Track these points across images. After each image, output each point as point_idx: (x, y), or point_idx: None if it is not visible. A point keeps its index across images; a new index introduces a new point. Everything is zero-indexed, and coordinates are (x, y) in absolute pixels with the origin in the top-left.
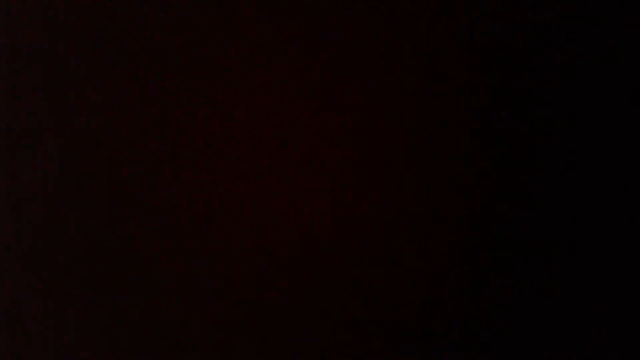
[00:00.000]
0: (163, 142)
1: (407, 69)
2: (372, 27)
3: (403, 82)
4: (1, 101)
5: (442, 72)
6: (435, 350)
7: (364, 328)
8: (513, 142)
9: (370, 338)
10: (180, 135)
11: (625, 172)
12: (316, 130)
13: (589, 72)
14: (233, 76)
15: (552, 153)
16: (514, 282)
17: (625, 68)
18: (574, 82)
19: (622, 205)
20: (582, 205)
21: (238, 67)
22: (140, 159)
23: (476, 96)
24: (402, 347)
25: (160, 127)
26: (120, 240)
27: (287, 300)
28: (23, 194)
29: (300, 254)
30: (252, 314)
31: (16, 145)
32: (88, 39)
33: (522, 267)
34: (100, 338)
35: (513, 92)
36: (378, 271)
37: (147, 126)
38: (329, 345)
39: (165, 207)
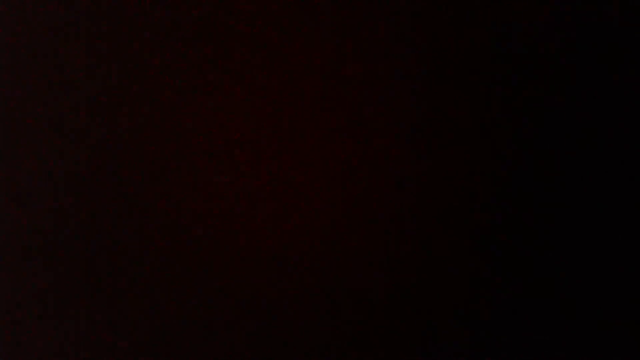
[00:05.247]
0: (164, 142)
1: (408, 69)
2: (372, 27)
3: (404, 81)
4: (1, 101)
5: (442, 72)
6: (435, 350)
7: (364, 328)
8: (514, 142)
9: (370, 338)
10: (181, 135)
11: (625, 172)
12: (316, 130)
13: (589, 73)
14: (233, 76)
15: (553, 153)
16: (515, 282)
17: (626, 68)
18: (573, 82)
19: (622, 205)
20: (582, 205)
21: (238, 67)
22: (140, 159)
23: (478, 97)
24: (402, 347)
25: (161, 127)
26: (120, 240)
27: (286, 301)
28: (23, 194)
29: (301, 254)
30: (252, 314)
31: (16, 145)
32: (88, 38)
33: (523, 267)
34: (100, 338)
35: (513, 92)
36: (378, 271)
37: (147, 126)
38: (329, 345)
39: (165, 207)
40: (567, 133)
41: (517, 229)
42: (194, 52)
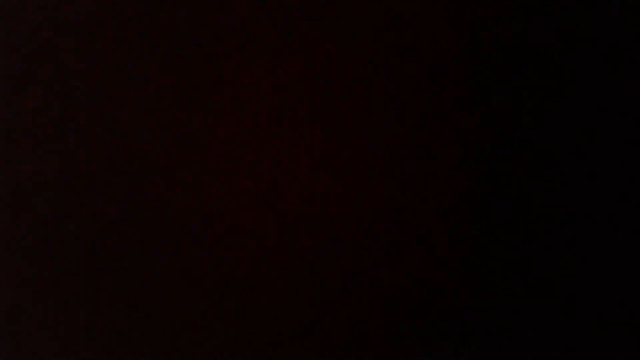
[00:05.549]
0: (164, 142)
1: (408, 68)
2: (373, 27)
3: (404, 81)
4: (1, 101)
5: (442, 71)
6: (435, 350)
7: (365, 328)
8: (514, 142)
9: (370, 338)
10: (181, 135)
11: (625, 172)
12: (317, 130)
13: (589, 73)
14: (233, 76)
15: (553, 153)
16: (515, 282)
17: (626, 68)
18: (573, 81)
19: (622, 205)
20: (582, 205)
21: (238, 66)
22: (140, 159)
23: (478, 96)
24: (402, 347)
25: (161, 127)
26: (120, 240)
27: (286, 300)
28: (23, 194)
29: (300, 253)
30: (252, 314)
31: (16, 145)
32: (89, 38)
33: (523, 267)
34: (100, 338)
35: (513, 92)
36: (378, 270)
37: (148, 126)
38: (329, 345)
39: (165, 207)
40: (567, 133)
41: (517, 229)
42: (194, 52)
